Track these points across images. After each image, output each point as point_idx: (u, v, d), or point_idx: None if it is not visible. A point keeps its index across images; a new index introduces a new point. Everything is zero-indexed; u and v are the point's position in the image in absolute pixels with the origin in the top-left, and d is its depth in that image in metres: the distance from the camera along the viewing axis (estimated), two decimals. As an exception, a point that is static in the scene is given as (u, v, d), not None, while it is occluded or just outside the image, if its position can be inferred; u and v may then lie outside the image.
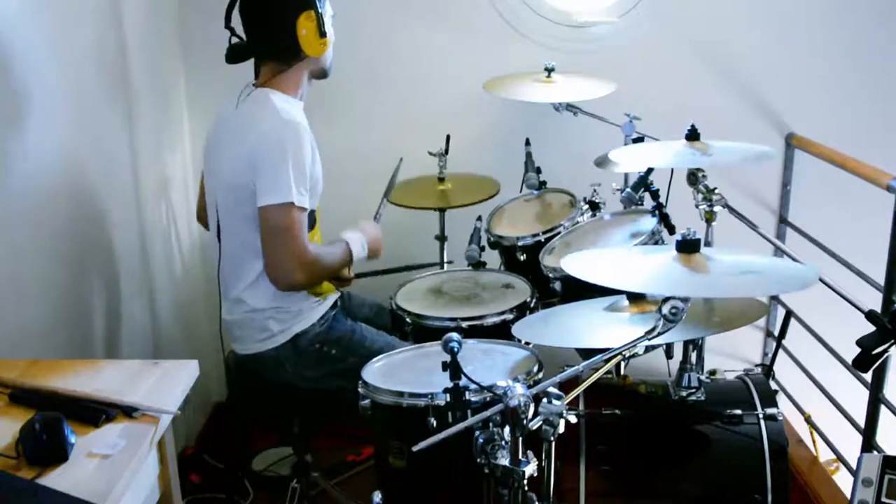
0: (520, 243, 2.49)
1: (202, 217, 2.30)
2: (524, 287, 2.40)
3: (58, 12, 2.06)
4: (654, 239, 2.17)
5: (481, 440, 1.51)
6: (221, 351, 2.22)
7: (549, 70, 2.74)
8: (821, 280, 1.89)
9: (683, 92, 3.05)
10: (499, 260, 2.65)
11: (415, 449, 1.40)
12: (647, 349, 1.86)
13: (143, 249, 2.59)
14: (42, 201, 1.97)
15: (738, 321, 1.93)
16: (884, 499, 1.49)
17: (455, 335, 1.54)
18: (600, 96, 2.69)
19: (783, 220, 3.21)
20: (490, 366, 1.86)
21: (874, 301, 2.23)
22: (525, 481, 1.48)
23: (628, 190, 2.36)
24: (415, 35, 3.03)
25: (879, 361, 1.44)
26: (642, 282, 1.57)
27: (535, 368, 1.80)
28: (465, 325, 2.20)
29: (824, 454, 2.85)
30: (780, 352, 2.56)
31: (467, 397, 1.60)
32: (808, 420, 2.88)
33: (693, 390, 2.05)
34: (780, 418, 2.00)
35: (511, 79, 2.79)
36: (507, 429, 1.46)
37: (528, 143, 2.85)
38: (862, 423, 2.44)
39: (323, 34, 2.02)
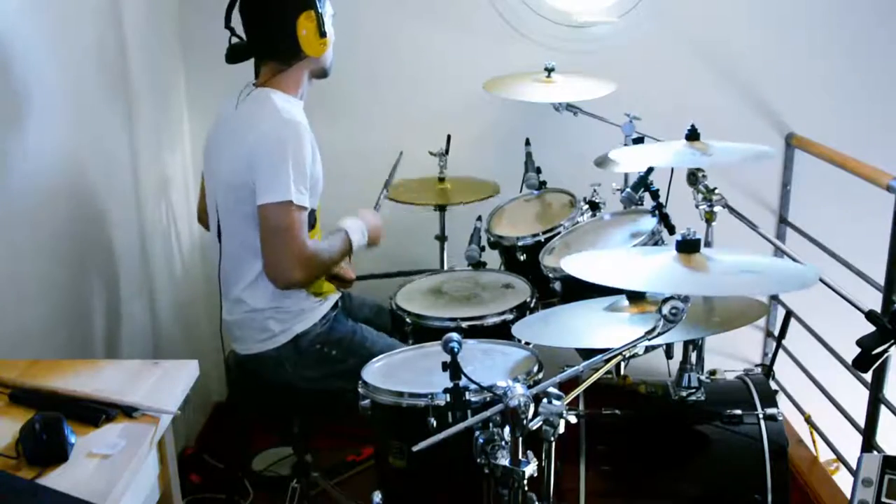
0: (520, 243, 2.49)
1: (203, 219, 2.30)
2: (524, 287, 2.40)
3: (58, 12, 2.06)
4: (654, 239, 2.17)
5: (481, 440, 1.51)
6: (221, 351, 2.22)
7: (549, 70, 2.74)
8: (821, 280, 1.89)
9: (683, 92, 3.05)
10: (499, 260, 2.65)
11: (415, 449, 1.40)
12: (647, 349, 1.86)
13: (143, 249, 2.59)
14: (42, 201, 1.97)
15: (738, 321, 1.93)
16: (884, 499, 1.49)
17: (455, 335, 1.54)
18: (600, 96, 2.69)
19: (783, 220, 3.21)
20: (490, 366, 1.86)
21: (874, 301, 2.23)
22: (525, 481, 1.48)
23: (628, 190, 2.36)
24: (415, 35, 3.03)
25: (879, 361, 1.44)
26: (642, 281, 1.58)
27: (535, 368, 1.80)
28: (465, 325, 2.19)
29: (824, 454, 2.85)
30: (780, 352, 2.55)
31: (467, 397, 1.60)
32: (808, 420, 2.88)
33: (693, 390, 2.05)
34: (780, 418, 1.99)
35: (511, 79, 2.79)
36: (507, 429, 1.46)
37: (528, 143, 2.85)
38: (862, 423, 2.44)
39: (323, 34, 2.02)
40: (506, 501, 1.49)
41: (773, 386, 2.28)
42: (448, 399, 1.60)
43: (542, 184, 2.76)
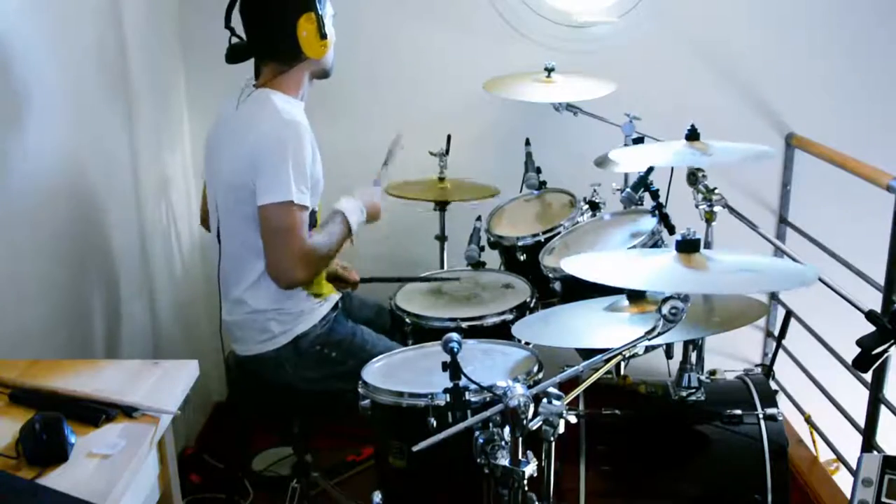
0: (520, 243, 2.49)
1: (206, 221, 2.30)
2: (524, 287, 2.40)
3: (58, 12, 2.06)
4: (654, 239, 2.17)
5: (481, 440, 1.51)
6: (221, 351, 2.22)
7: (549, 70, 2.74)
8: (821, 280, 1.89)
9: (683, 92, 3.05)
10: (499, 260, 2.65)
11: (415, 449, 1.40)
12: (647, 349, 1.86)
13: (143, 249, 2.59)
14: (42, 201, 1.97)
15: (738, 321, 1.93)
16: (884, 499, 1.49)
17: (455, 335, 1.54)
18: (600, 96, 2.69)
19: (783, 220, 3.21)
20: (490, 366, 1.86)
21: (874, 301, 2.23)
22: (525, 481, 1.48)
23: (628, 190, 2.36)
24: (415, 35, 3.03)
25: (879, 361, 1.44)
26: (642, 280, 1.58)
27: (535, 368, 1.80)
28: (464, 325, 2.20)
29: (824, 454, 2.85)
30: (780, 352, 2.55)
31: (467, 397, 1.60)
32: (808, 420, 2.88)
33: (693, 390, 2.05)
34: (780, 418, 1.99)
35: (511, 79, 2.79)
36: (507, 429, 1.46)
37: (528, 143, 2.85)
38: (862, 423, 2.44)
39: (323, 36, 2.02)
40: (506, 501, 1.49)
41: (773, 386, 2.28)
42: (448, 399, 1.60)
43: (542, 184, 2.76)
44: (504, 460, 1.48)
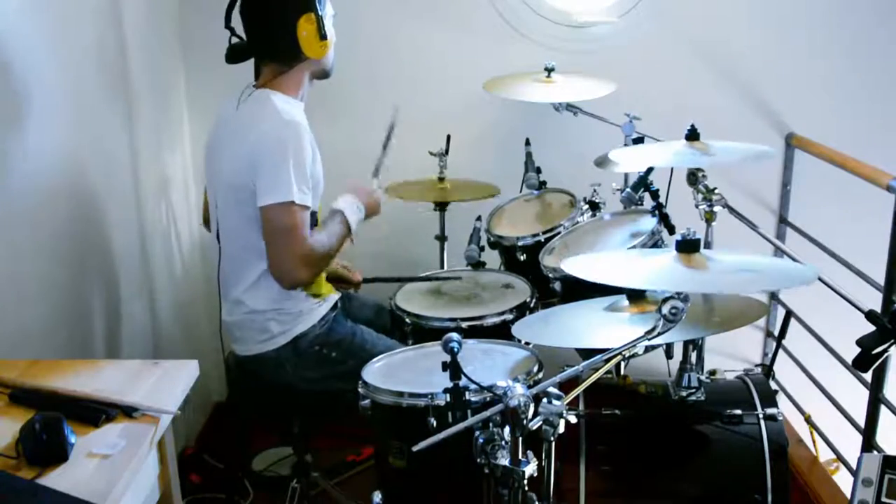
0: (520, 243, 2.49)
1: (208, 221, 2.29)
2: (524, 287, 2.40)
3: (58, 12, 2.06)
4: (654, 239, 2.17)
5: (481, 440, 1.51)
6: (221, 351, 2.22)
7: (549, 70, 2.74)
8: (821, 280, 1.89)
9: (683, 92, 3.05)
10: (499, 260, 2.65)
11: (415, 449, 1.40)
12: (647, 349, 1.86)
13: (143, 249, 2.59)
14: (42, 201, 1.96)
15: (738, 321, 1.93)
16: (884, 499, 1.49)
17: (455, 335, 1.54)
18: (600, 96, 2.69)
19: (783, 220, 3.21)
20: (490, 366, 1.86)
21: (874, 301, 2.23)
22: (525, 481, 1.48)
23: (628, 190, 2.37)
24: (415, 35, 3.03)
25: (879, 361, 1.44)
26: (642, 280, 1.58)
27: (535, 368, 1.80)
28: (464, 325, 2.20)
29: (824, 454, 2.85)
30: (780, 352, 2.55)
31: (467, 397, 1.60)
32: (808, 420, 2.88)
33: (693, 390, 2.05)
34: (780, 418, 1.99)
35: (511, 79, 2.79)
36: (507, 429, 1.46)
37: (528, 143, 2.85)
38: (862, 423, 2.44)
39: (323, 36, 2.02)
40: (506, 501, 1.49)
41: (773, 386, 2.28)
42: (448, 399, 1.60)
43: (542, 184, 2.76)
44: (504, 460, 1.48)
